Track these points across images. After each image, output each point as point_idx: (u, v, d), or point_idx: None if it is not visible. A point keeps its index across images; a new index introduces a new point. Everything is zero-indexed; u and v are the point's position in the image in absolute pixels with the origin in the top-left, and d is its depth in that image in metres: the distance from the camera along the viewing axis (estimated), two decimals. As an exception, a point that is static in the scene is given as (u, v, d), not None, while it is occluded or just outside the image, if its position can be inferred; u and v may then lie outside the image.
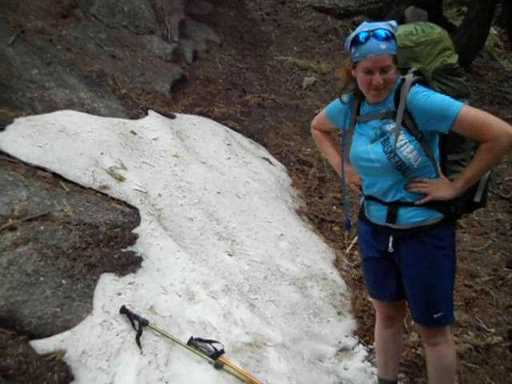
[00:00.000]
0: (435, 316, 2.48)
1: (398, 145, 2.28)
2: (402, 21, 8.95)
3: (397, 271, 2.59)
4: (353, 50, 2.29)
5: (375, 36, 2.23)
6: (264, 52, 7.75)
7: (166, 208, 3.76)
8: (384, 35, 2.22)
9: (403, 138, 2.29)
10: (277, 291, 3.49)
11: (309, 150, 5.58)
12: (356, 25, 9.27)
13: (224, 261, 3.54)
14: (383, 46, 2.22)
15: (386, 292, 2.69)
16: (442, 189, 2.37)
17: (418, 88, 2.30)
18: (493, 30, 12.99)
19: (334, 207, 4.90)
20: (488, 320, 3.84)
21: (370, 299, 2.92)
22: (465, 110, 2.21)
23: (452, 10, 14.94)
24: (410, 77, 2.33)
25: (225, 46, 7.47)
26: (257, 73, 7.09)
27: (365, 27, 2.29)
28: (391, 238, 2.50)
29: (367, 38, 2.23)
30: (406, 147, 2.29)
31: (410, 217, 2.42)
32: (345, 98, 2.50)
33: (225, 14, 8.34)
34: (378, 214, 2.51)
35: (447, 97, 2.26)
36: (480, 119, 2.23)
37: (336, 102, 2.59)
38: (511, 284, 4.26)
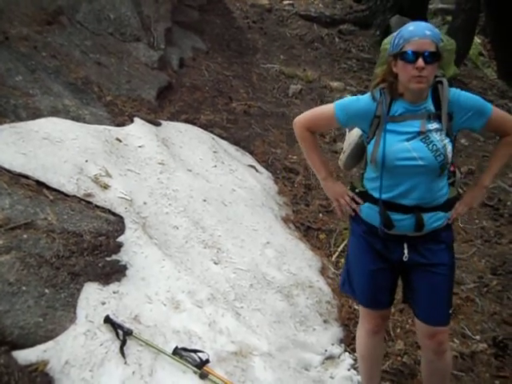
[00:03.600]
0: (450, 311, 2.57)
1: (442, 144, 2.34)
2: (387, 29, 9.04)
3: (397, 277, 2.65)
4: (396, 41, 2.33)
5: (420, 24, 2.32)
6: (250, 60, 7.76)
7: (151, 216, 3.74)
8: (429, 26, 2.33)
9: (444, 138, 2.36)
10: (263, 299, 3.47)
11: (295, 157, 5.59)
12: (342, 33, 9.36)
13: (209, 269, 3.52)
14: (428, 32, 2.29)
15: (385, 300, 2.69)
16: (476, 196, 2.60)
17: (454, 89, 2.43)
18: (477, 39, 13.16)
19: (321, 215, 4.90)
20: (473, 327, 3.85)
21: (363, 309, 2.82)
22: (493, 107, 2.42)
23: (437, 18, 15.11)
24: (444, 80, 2.41)
25: (211, 53, 7.47)
26: (243, 80, 7.10)
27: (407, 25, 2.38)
28: (406, 245, 2.50)
29: (412, 26, 2.31)
30: (448, 147, 2.36)
31: (433, 221, 2.46)
32: (376, 95, 2.46)
33: (211, 22, 8.35)
34: (401, 224, 2.45)
35: None
36: (502, 114, 2.47)
37: (355, 101, 2.52)
38: (496, 291, 4.28)
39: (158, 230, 3.66)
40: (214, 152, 4.93)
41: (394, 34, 2.39)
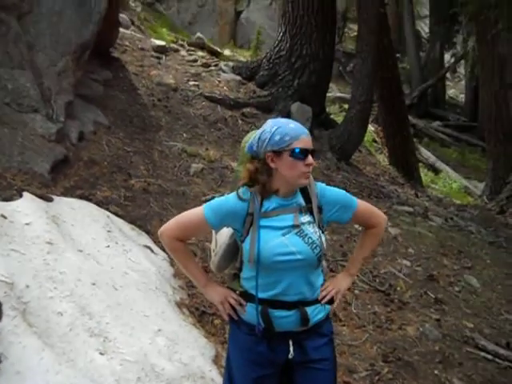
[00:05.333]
0: None
1: (317, 236, 2.38)
2: (288, 116, 9.45)
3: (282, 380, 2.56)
4: (277, 138, 2.34)
5: (297, 123, 2.44)
6: (153, 137, 7.74)
7: (33, 301, 3.47)
8: None
9: (317, 230, 2.40)
10: (150, 394, 3.27)
11: (193, 239, 5.50)
12: (245, 116, 9.64)
13: (94, 360, 3.28)
14: (306, 130, 2.43)
15: None
16: (344, 281, 2.67)
17: (320, 183, 2.54)
18: (371, 127, 14.11)
19: (216, 299, 4.79)
20: (365, 418, 3.84)
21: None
22: (358, 200, 2.58)
23: (335, 106, 16.17)
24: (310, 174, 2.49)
25: (113, 128, 7.38)
26: (144, 157, 7.02)
27: (281, 119, 2.48)
28: (291, 342, 2.45)
29: (293, 124, 2.41)
30: (322, 238, 2.41)
31: (315, 314, 2.46)
32: (244, 195, 2.44)
33: (116, 97, 8.32)
34: (285, 321, 2.42)
35: None
36: (368, 207, 2.65)
37: (225, 201, 2.48)
38: (387, 379, 4.32)
39: (39, 316, 3.40)
40: (108, 231, 4.75)
41: (265, 130, 2.40)
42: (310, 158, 2.35)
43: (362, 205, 2.59)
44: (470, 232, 8.65)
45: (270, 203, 2.43)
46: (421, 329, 5.06)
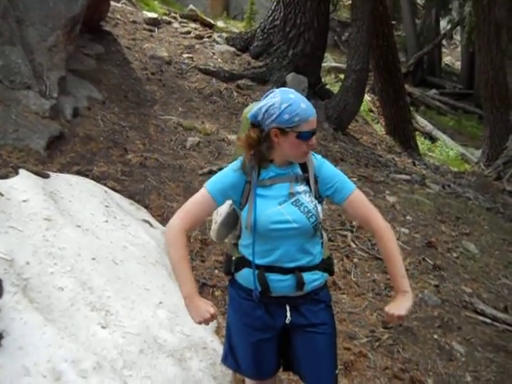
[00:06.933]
0: (336, 372, 2.58)
1: (313, 205, 2.37)
2: (283, 86, 9.36)
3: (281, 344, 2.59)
4: (286, 116, 2.29)
5: (308, 102, 2.38)
6: (148, 111, 7.68)
7: (33, 277, 3.47)
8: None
9: (313, 199, 2.40)
10: (153, 365, 3.29)
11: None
12: (240, 88, 9.54)
13: (96, 334, 3.30)
14: (314, 109, 2.38)
15: (271, 369, 2.65)
16: (402, 302, 2.38)
17: (319, 156, 2.51)
18: (367, 97, 14.00)
19: (216, 271, 4.82)
20: (366, 383, 3.88)
21: (249, 380, 2.77)
22: (356, 189, 2.47)
23: (330, 76, 16.04)
24: None
25: (108, 103, 7.32)
26: (140, 131, 6.98)
27: (290, 93, 2.37)
28: (288, 308, 2.48)
29: (304, 104, 2.35)
30: (318, 207, 2.41)
31: (313, 280, 2.47)
32: (239, 165, 2.45)
33: (109, 72, 8.23)
34: (281, 285, 2.44)
35: None
36: (364, 200, 2.48)
37: (225, 175, 2.47)
38: (387, 345, 4.37)
39: (40, 292, 3.40)
40: (106, 206, 4.73)
41: (274, 105, 2.33)
42: (313, 140, 2.36)
43: (358, 194, 2.47)
44: (468, 198, 8.67)
45: (267, 172, 2.44)
46: (420, 295, 5.11)
